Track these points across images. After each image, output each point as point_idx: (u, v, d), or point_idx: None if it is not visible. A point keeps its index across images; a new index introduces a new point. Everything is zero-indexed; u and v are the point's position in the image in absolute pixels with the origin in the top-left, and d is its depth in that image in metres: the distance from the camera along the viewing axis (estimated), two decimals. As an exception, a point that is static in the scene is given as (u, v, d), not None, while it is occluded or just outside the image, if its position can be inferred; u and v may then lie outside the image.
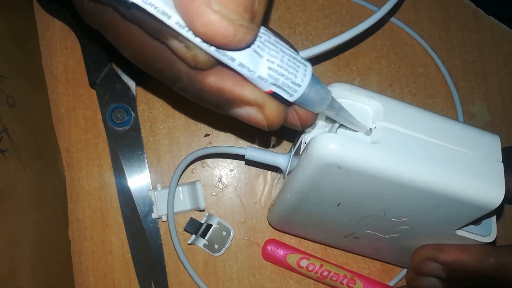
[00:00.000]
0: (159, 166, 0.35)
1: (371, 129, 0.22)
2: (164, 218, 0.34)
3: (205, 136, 0.36)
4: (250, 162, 0.30)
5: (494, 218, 0.25)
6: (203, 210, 0.34)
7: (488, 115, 0.37)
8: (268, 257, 0.34)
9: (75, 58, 0.35)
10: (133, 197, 0.34)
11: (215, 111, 0.19)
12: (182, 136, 0.35)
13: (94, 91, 0.35)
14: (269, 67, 0.16)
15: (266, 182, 0.35)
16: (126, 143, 0.34)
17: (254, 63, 0.16)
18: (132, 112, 0.35)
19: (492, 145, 0.22)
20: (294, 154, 0.26)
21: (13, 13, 0.32)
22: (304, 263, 0.33)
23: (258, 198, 0.35)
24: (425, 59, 0.37)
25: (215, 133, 0.36)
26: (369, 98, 0.22)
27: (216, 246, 0.34)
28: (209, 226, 0.34)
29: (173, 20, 0.15)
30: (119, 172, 0.34)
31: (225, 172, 0.36)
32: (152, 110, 0.35)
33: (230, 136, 0.36)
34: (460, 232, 0.25)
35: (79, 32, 0.34)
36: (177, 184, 0.33)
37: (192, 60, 0.17)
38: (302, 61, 0.18)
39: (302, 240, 0.35)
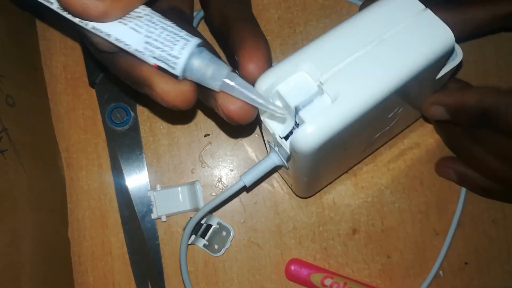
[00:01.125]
0: (158, 166, 0.35)
1: (321, 88, 0.21)
2: (164, 219, 0.34)
3: (204, 136, 0.35)
4: (254, 184, 0.29)
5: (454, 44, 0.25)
6: None
7: (488, 115, 0.37)
8: (292, 277, 0.34)
9: (74, 58, 0.35)
10: (131, 197, 0.34)
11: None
12: (181, 136, 0.35)
13: (93, 91, 0.35)
14: (146, 41, 0.18)
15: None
16: (125, 143, 0.34)
17: (130, 38, 0.19)
18: (131, 112, 0.34)
19: (407, 3, 0.22)
20: (276, 146, 0.26)
21: (12, 13, 0.32)
22: (328, 281, 0.33)
23: (258, 198, 0.35)
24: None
25: (215, 133, 0.36)
26: (294, 67, 0.22)
27: (216, 247, 0.34)
28: (209, 226, 0.34)
29: (55, 5, 0.19)
30: (117, 172, 0.34)
31: (225, 172, 0.35)
32: (152, 110, 0.35)
33: (230, 136, 0.36)
34: (439, 75, 0.26)
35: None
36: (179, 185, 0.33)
37: (95, 44, 0.19)
38: (186, 37, 0.19)
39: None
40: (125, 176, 0.34)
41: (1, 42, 0.30)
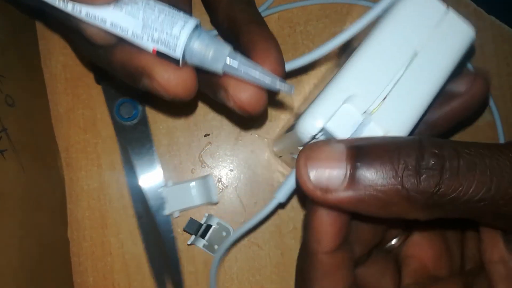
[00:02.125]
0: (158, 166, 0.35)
1: (370, 121, 0.20)
2: (176, 214, 0.34)
3: (204, 136, 0.35)
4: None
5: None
6: (216, 203, 0.34)
7: (489, 115, 0.37)
8: None
9: (74, 58, 0.35)
10: (144, 191, 0.34)
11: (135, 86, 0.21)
12: (181, 136, 0.35)
13: (93, 91, 0.35)
14: (143, 25, 0.18)
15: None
16: (135, 137, 0.34)
17: (127, 23, 0.18)
18: (139, 106, 0.34)
19: (429, 6, 0.21)
20: None
21: (11, 12, 0.32)
22: None
23: (258, 197, 0.35)
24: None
25: (215, 133, 0.36)
26: (337, 101, 0.20)
27: (216, 247, 0.34)
28: (208, 226, 0.34)
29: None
30: (129, 167, 0.34)
31: (225, 172, 0.35)
32: (152, 110, 0.35)
33: (230, 136, 0.36)
34: None
35: None
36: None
37: (89, 37, 0.19)
38: (185, 18, 0.19)
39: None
40: (137, 170, 0.34)
41: (0, 42, 0.30)
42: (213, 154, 0.35)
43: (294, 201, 0.35)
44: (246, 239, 0.35)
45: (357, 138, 0.19)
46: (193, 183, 0.34)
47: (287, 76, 0.22)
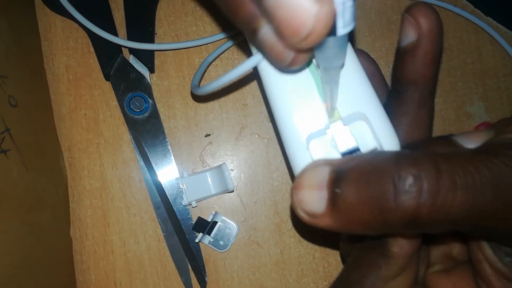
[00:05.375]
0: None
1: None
2: (194, 204, 0.34)
3: (205, 136, 0.36)
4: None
5: None
6: (232, 191, 0.35)
7: (486, 115, 0.37)
8: None
9: (76, 58, 0.36)
10: (161, 182, 0.34)
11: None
12: (182, 136, 0.36)
13: (95, 92, 0.35)
14: None
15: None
16: (147, 130, 0.35)
17: None
18: (149, 99, 0.35)
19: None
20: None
21: (14, 14, 0.33)
22: None
23: (258, 196, 0.35)
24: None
25: (215, 133, 0.36)
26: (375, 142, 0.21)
27: (221, 243, 0.35)
28: (214, 223, 0.34)
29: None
30: (144, 159, 0.35)
31: (226, 171, 0.36)
32: (153, 110, 0.36)
33: (231, 136, 0.36)
34: None
35: (88, 26, 0.34)
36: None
37: None
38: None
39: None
40: (151, 162, 0.34)
41: (4, 43, 0.30)
42: (214, 154, 0.36)
43: (294, 200, 0.35)
44: (246, 237, 0.35)
45: (341, 160, 0.19)
46: (209, 173, 0.35)
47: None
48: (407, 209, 0.16)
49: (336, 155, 0.21)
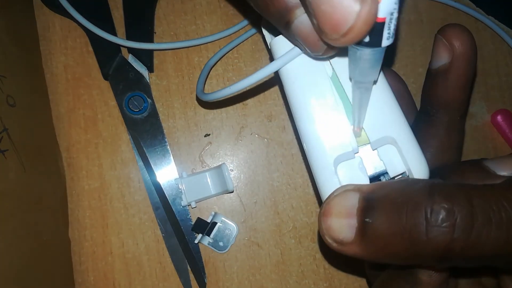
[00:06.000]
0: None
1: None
2: (193, 205, 0.34)
3: (205, 136, 0.36)
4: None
5: None
6: (232, 192, 0.35)
7: (487, 115, 0.37)
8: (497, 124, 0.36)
9: (75, 58, 0.36)
10: (160, 182, 0.34)
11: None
12: (182, 136, 0.35)
13: (94, 92, 0.35)
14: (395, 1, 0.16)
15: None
16: (146, 130, 0.34)
17: None
18: (148, 99, 0.35)
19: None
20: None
21: (13, 13, 0.32)
22: None
23: (259, 197, 0.35)
24: (425, 59, 0.37)
25: (215, 133, 0.36)
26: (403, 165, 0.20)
27: (221, 244, 0.34)
28: (213, 224, 0.34)
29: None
30: (143, 159, 0.34)
31: (225, 172, 0.36)
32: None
33: (230, 136, 0.36)
34: None
35: (86, 26, 0.34)
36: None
37: None
38: None
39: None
40: (150, 162, 0.34)
41: (2, 42, 0.30)
42: (213, 154, 0.36)
43: (294, 201, 0.35)
44: (246, 238, 0.35)
45: (371, 186, 0.18)
46: (208, 173, 0.34)
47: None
48: (439, 244, 0.16)
49: (363, 179, 0.20)
